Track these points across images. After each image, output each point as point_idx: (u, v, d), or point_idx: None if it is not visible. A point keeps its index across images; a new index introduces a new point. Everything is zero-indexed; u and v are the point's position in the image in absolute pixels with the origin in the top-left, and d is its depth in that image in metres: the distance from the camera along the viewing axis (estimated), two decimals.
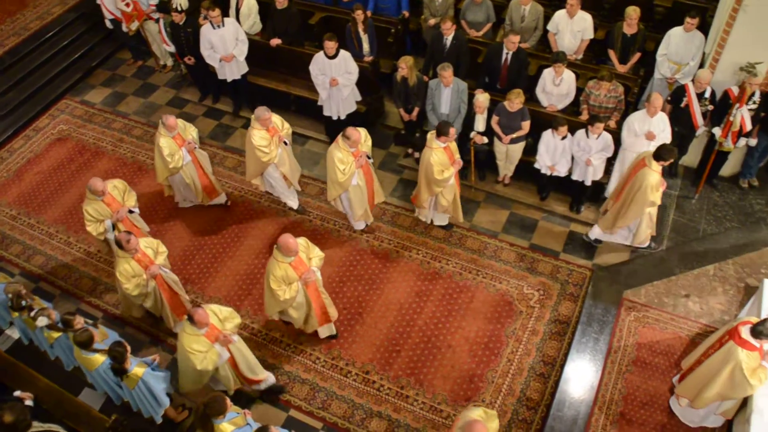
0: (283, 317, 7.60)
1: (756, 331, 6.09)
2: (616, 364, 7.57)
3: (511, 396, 7.40)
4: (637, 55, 9.56)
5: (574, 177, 8.75)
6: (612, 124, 8.75)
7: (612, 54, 9.61)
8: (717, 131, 8.75)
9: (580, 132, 8.39)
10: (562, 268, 8.56)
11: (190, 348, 6.42)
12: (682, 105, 8.71)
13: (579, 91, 9.08)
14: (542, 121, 8.70)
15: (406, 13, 10.72)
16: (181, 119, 8.76)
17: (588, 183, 8.70)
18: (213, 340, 6.50)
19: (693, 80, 8.64)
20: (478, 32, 10.16)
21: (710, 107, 8.71)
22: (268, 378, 7.32)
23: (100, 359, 6.65)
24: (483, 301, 8.22)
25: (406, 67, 8.78)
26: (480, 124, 8.76)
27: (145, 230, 8.40)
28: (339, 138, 8.17)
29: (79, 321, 6.91)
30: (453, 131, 8.01)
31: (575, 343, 7.72)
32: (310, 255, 7.16)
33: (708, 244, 8.74)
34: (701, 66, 9.02)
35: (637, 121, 8.31)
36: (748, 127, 8.54)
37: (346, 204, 8.79)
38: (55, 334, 7.08)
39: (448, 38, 9.20)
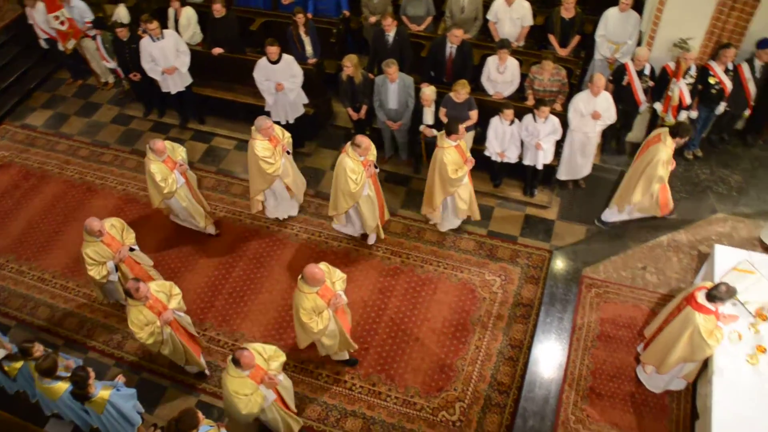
0: (335, 357, 7.57)
1: (711, 296, 6.27)
2: (582, 341, 7.69)
3: (482, 382, 7.46)
4: (577, 38, 9.74)
5: (526, 162, 8.87)
6: (558, 107, 8.89)
7: (552, 39, 9.78)
8: (658, 106, 9.00)
9: (528, 117, 8.51)
10: (521, 252, 8.67)
11: (234, 392, 6.10)
12: (624, 83, 8.91)
13: (523, 77, 9.21)
14: (489, 109, 8.79)
15: (347, 13, 10.75)
16: (168, 141, 8.46)
17: (539, 167, 8.82)
18: (258, 382, 6.20)
19: (632, 59, 8.85)
20: (419, 26, 10.23)
21: (651, 84, 8.93)
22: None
23: (63, 387, 6.45)
24: (446, 292, 8.28)
25: (350, 65, 8.78)
26: (428, 117, 8.82)
27: (149, 264, 8.05)
28: (347, 147, 7.96)
29: (39, 348, 6.73)
30: (462, 129, 7.95)
31: (540, 324, 7.83)
32: (333, 279, 6.87)
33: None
34: (639, 44, 9.24)
35: (582, 101, 8.47)
36: (688, 100, 8.80)
37: (355, 218, 8.60)
38: (17, 365, 6.87)
39: (390, 34, 9.24)
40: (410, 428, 7.17)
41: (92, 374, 6.35)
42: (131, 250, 7.69)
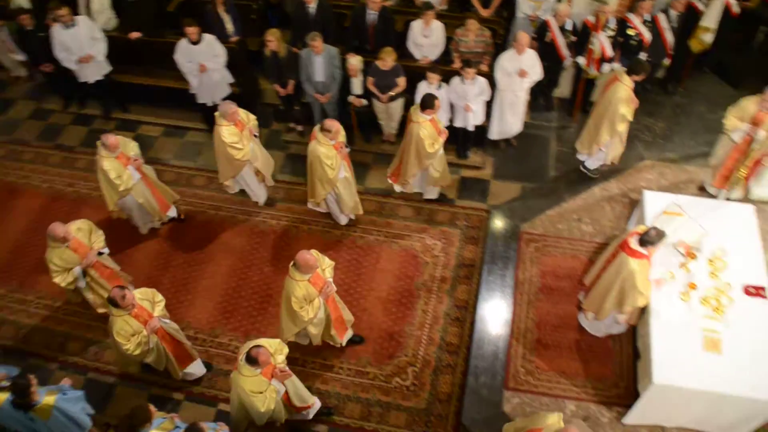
0: (298, 339, 7.30)
1: (643, 241, 6.46)
2: (525, 295, 7.85)
3: (432, 345, 7.54)
4: None
5: (457, 124, 8.91)
6: (484, 67, 8.95)
7: (474, 1, 9.78)
8: (581, 60, 9.16)
9: (455, 79, 8.53)
10: (459, 214, 8.75)
11: (251, 391, 5.91)
12: (547, 40, 9.03)
13: (448, 41, 9.21)
14: (418, 75, 8.76)
15: None
16: (120, 136, 8.01)
17: (470, 128, 8.88)
18: (270, 377, 6.05)
19: (554, 15, 8.97)
20: None
21: (573, 38, 9.07)
22: (315, 402, 6.94)
23: (2, 397, 6.21)
24: (389, 260, 8.30)
25: (274, 39, 8.62)
26: (356, 87, 8.76)
27: (117, 269, 7.68)
28: (316, 133, 7.70)
29: None
30: (438, 102, 7.85)
31: (483, 283, 7.95)
32: (323, 266, 6.72)
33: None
34: (559, 0, 9.33)
35: (507, 60, 8.54)
36: (609, 53, 8.98)
37: (332, 202, 8.40)
38: None
39: (312, 6, 9.09)
40: (365, 398, 7.21)
41: (34, 381, 6.07)
42: (100, 254, 7.28)
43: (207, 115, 9.67)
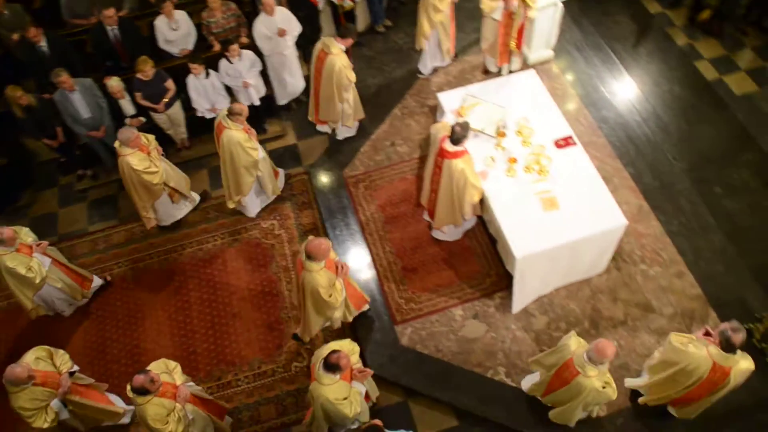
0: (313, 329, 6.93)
1: (454, 140, 6.75)
2: (374, 234, 8.00)
3: None
4: None
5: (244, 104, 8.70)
6: (244, 39, 8.77)
7: None
8: None
9: (222, 62, 8.29)
10: (283, 185, 8.68)
11: (335, 399, 5.58)
12: None
13: (199, 27, 8.91)
14: (183, 71, 8.41)
15: None
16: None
17: (257, 103, 8.72)
18: (349, 380, 5.77)
19: None
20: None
21: None
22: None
23: None
24: (236, 259, 8.11)
25: (20, 94, 7.86)
26: (128, 108, 8.29)
27: (92, 381, 6.74)
28: (228, 122, 7.34)
29: None
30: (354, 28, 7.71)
31: (333, 239, 7.98)
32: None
33: (384, 93, 9.41)
34: None
35: (262, 25, 8.40)
36: None
37: (254, 189, 8.06)
38: None
39: (42, 45, 8.33)
40: (274, 395, 7.14)
41: None
42: (71, 374, 6.39)
43: None
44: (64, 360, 6.36)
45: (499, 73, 9.05)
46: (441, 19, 8.64)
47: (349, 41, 7.99)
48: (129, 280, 8.10)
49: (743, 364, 5.48)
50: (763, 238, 7.72)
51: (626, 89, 9.24)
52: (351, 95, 8.35)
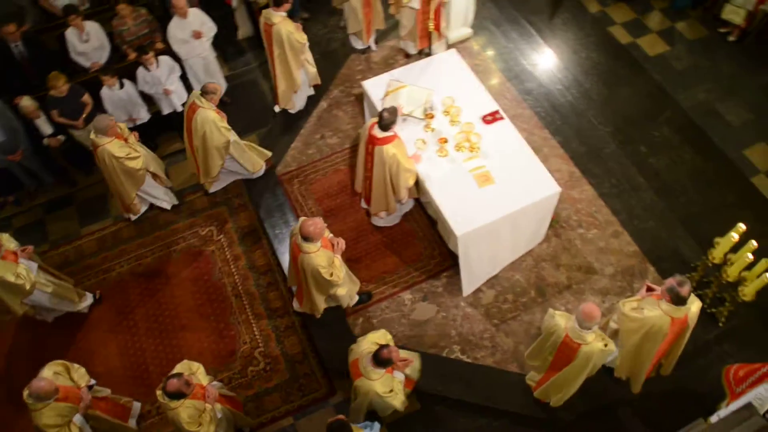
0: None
1: (383, 126, 6.75)
2: None
3: (262, 319, 7.45)
4: None
5: (166, 111, 8.53)
6: (160, 45, 8.55)
7: None
8: None
9: (139, 71, 8.07)
10: (217, 191, 8.50)
11: (384, 393, 5.65)
12: None
13: (111, 37, 8.64)
14: (99, 83, 8.12)
15: None
16: None
17: (180, 109, 8.49)
18: (391, 372, 5.80)
19: None
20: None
21: None
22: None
23: None
24: (177, 270, 7.92)
25: None
26: (45, 127, 7.96)
27: (109, 393, 6.59)
28: (202, 101, 7.30)
29: None
30: None
31: (273, 239, 7.91)
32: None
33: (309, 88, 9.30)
34: None
35: (176, 28, 8.24)
36: None
37: (232, 167, 8.07)
38: None
39: None
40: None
41: None
42: (90, 387, 6.21)
43: None
44: (80, 374, 6.21)
45: (420, 54, 9.08)
46: (307, 58, 8.57)
47: (286, 6, 7.86)
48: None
49: (694, 307, 5.68)
50: (688, 191, 8.05)
51: (546, 60, 9.44)
52: (309, 55, 8.39)
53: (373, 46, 9.57)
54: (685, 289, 5.48)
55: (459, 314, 7.22)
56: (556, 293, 7.29)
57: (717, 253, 6.58)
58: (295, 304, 7.22)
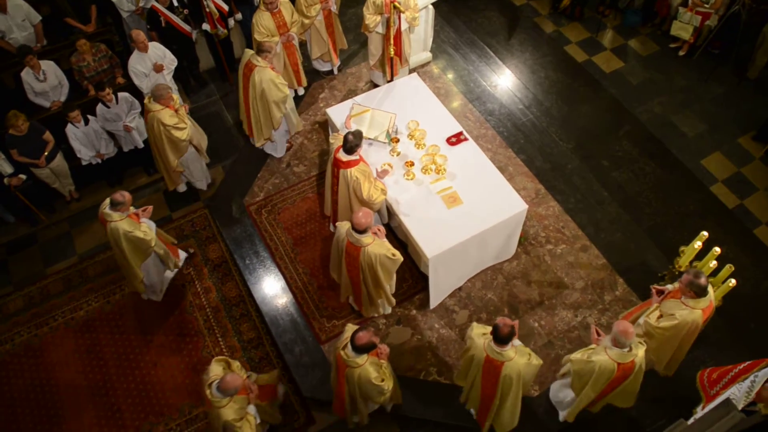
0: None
1: (347, 149, 6.79)
2: (285, 257, 7.91)
3: (236, 351, 7.35)
4: (93, 8, 9.23)
5: (127, 149, 8.45)
6: (120, 80, 8.51)
7: (71, 21, 9.11)
8: (206, 26, 9.03)
9: (99, 106, 7.96)
10: (183, 224, 8.43)
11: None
12: (164, 25, 8.75)
13: (70, 73, 8.56)
14: (60, 120, 8.00)
15: None
16: None
17: (141, 146, 8.44)
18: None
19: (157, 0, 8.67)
20: None
21: (185, 12, 8.88)
22: None
23: None
24: (147, 305, 7.76)
25: None
26: (4, 166, 7.79)
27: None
28: (258, 60, 7.75)
29: None
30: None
31: (244, 270, 7.85)
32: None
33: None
34: None
35: (137, 63, 8.20)
36: (225, 7, 8.96)
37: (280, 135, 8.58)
38: None
39: None
40: None
41: None
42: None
43: None
44: (238, 366, 6.22)
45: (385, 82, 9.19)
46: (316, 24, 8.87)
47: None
48: (35, 348, 7.60)
49: (713, 295, 5.89)
50: (651, 202, 8.23)
51: (506, 80, 9.62)
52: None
53: (335, 71, 9.65)
54: (702, 280, 5.69)
55: (434, 336, 7.23)
56: (528, 309, 7.35)
57: (683, 261, 6.73)
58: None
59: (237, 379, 5.64)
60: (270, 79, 7.81)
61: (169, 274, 7.80)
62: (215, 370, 5.85)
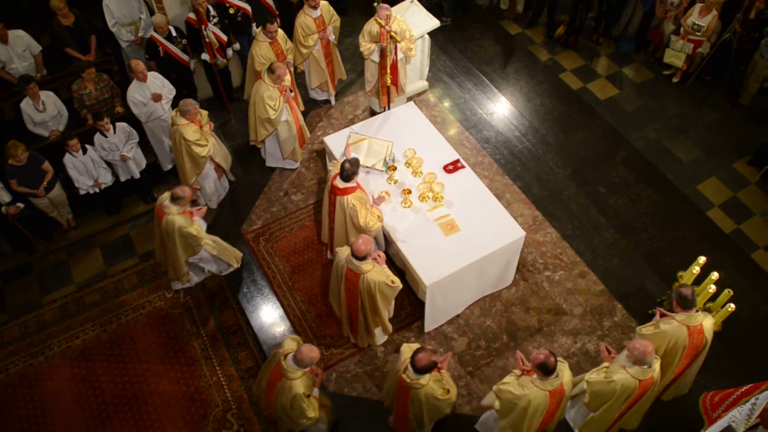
0: None
1: (344, 177, 6.83)
2: (283, 286, 7.90)
3: (233, 381, 7.29)
4: (93, 38, 9.28)
5: (123, 179, 8.47)
6: (119, 109, 8.55)
7: (71, 51, 9.14)
8: (205, 56, 9.11)
9: (97, 136, 8.01)
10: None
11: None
12: (162, 54, 8.82)
13: (70, 102, 8.61)
14: (59, 152, 8.04)
15: None
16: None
17: (137, 176, 8.49)
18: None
19: (155, 29, 8.74)
20: None
21: (184, 42, 8.98)
22: None
23: None
24: (144, 334, 7.73)
25: None
26: (3, 195, 7.79)
27: None
28: (263, 75, 8.02)
29: None
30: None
31: (241, 298, 7.84)
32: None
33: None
34: (152, 14, 9.14)
35: (137, 93, 8.23)
36: (224, 38, 9.07)
37: (271, 146, 8.71)
38: None
39: None
40: None
41: None
42: None
43: None
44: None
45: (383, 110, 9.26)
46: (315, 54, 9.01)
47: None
48: (30, 378, 7.54)
49: (707, 322, 5.89)
50: (648, 227, 8.25)
51: (502, 108, 9.70)
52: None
53: (332, 101, 9.74)
54: (685, 290, 5.76)
55: None
56: (527, 336, 7.33)
57: None
58: None
59: (314, 350, 5.69)
60: (262, 97, 8.03)
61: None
62: (289, 344, 5.94)
